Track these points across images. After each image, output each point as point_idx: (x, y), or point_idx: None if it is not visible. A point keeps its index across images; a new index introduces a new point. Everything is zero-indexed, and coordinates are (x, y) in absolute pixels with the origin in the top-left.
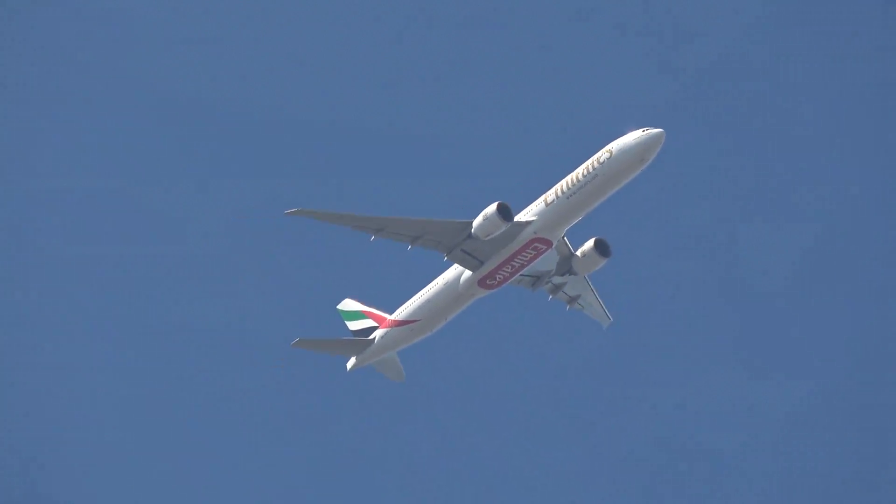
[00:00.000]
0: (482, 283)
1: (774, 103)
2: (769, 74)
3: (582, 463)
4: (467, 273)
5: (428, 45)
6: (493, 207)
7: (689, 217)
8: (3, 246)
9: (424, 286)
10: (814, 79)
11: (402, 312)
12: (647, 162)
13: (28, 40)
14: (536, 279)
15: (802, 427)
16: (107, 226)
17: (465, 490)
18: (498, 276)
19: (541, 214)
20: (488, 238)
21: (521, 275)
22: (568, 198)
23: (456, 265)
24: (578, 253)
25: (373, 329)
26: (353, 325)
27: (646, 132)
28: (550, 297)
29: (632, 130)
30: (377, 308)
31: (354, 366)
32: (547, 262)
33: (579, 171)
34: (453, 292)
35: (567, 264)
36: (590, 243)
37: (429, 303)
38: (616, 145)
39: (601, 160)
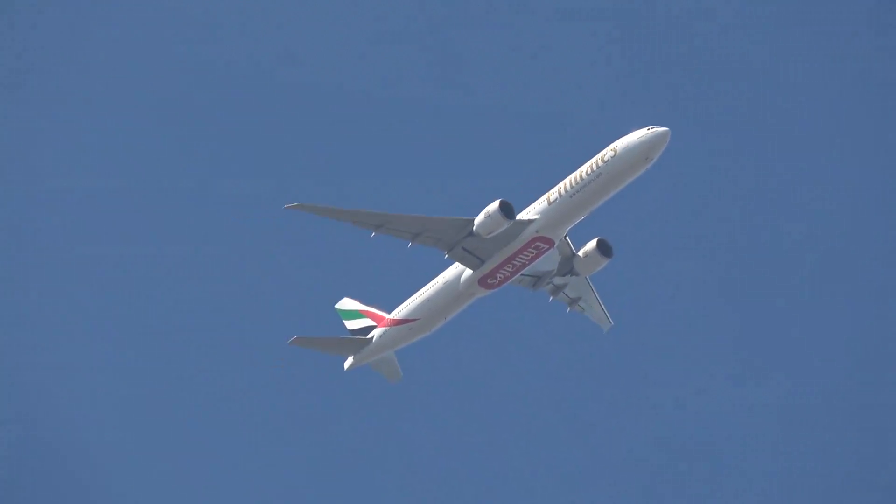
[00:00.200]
0: (483, 282)
1: (774, 103)
2: (769, 74)
3: (581, 463)
4: (468, 272)
5: (431, 43)
6: (495, 205)
7: (689, 217)
8: (3, 246)
9: (424, 285)
10: (814, 79)
11: (400, 311)
12: (652, 161)
13: (28, 40)
14: (537, 279)
15: (802, 427)
16: (107, 226)
17: (464, 490)
18: (499, 275)
19: (543, 213)
20: (490, 236)
21: (521, 275)
22: (571, 196)
23: (456, 264)
24: (580, 253)
25: (371, 328)
26: (351, 325)
27: (651, 130)
28: (551, 298)
29: (636, 129)
30: (376, 307)
31: (352, 365)
32: (548, 262)
33: (583, 170)
34: (453, 291)
35: (568, 264)
36: (592, 243)
37: (428, 302)
38: (621, 144)
39: (605, 158)
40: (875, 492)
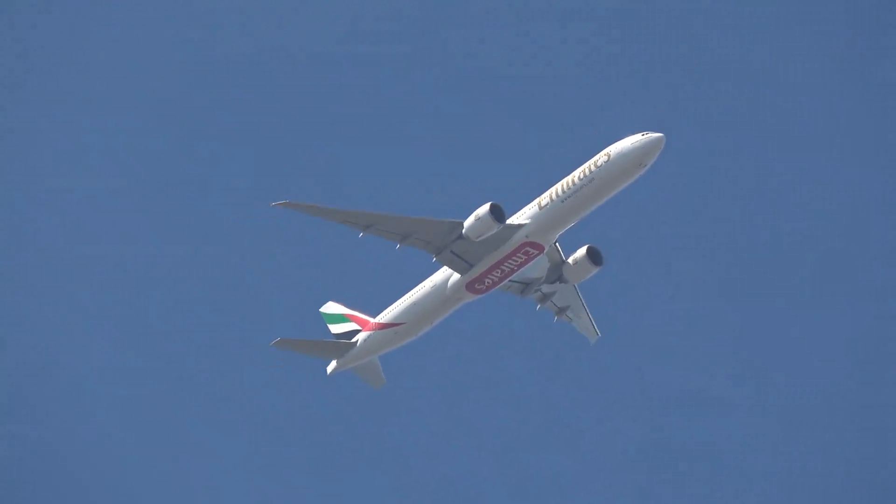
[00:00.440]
0: (470, 287)
1: (774, 103)
2: (769, 74)
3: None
4: (455, 276)
5: (431, 42)
6: (485, 208)
7: (689, 217)
8: (3, 246)
9: (411, 289)
10: (814, 79)
11: (386, 315)
12: (646, 167)
13: (28, 40)
14: (525, 286)
15: (802, 427)
16: (107, 226)
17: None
18: (487, 280)
19: (534, 218)
20: (479, 239)
21: (510, 281)
22: (562, 201)
23: (444, 268)
24: (570, 260)
25: (355, 332)
26: (336, 329)
27: (645, 136)
28: (539, 306)
29: (631, 134)
30: (361, 311)
31: (335, 369)
32: (537, 268)
33: (575, 175)
34: (440, 296)
35: (558, 271)
36: (582, 251)
37: (415, 306)
38: (614, 149)
39: (598, 163)
40: (875, 492)
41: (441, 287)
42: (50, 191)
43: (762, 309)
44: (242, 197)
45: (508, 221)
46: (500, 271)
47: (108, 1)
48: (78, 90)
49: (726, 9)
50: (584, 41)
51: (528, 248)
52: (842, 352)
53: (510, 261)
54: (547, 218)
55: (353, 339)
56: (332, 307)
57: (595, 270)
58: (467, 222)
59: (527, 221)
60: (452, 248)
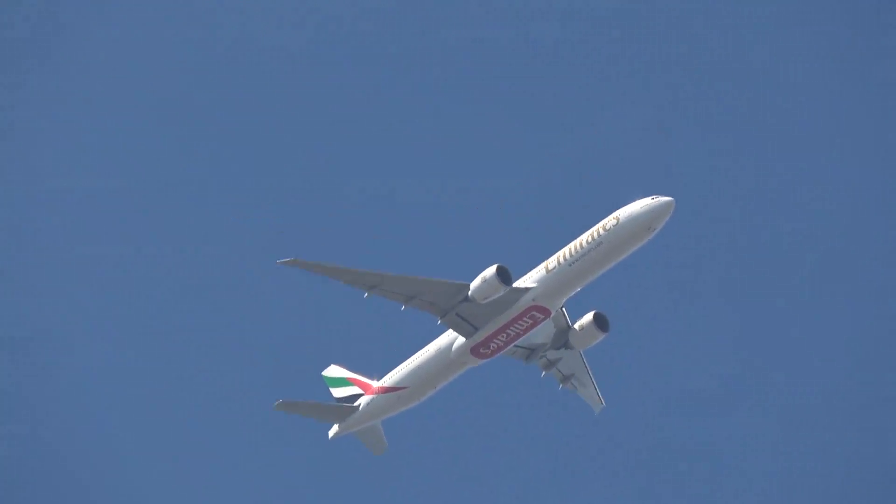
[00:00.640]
0: (475, 351)
1: (774, 103)
2: (769, 74)
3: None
4: (460, 340)
5: (430, 43)
6: (492, 270)
7: (689, 217)
8: (3, 246)
9: (416, 352)
10: (814, 79)
11: (390, 378)
12: (655, 231)
13: (28, 40)
14: (531, 352)
15: (802, 427)
16: (107, 226)
17: None
18: (492, 344)
19: (541, 281)
20: (485, 302)
21: (515, 346)
22: (570, 265)
23: (449, 332)
24: (576, 326)
25: (358, 396)
26: (338, 392)
27: (655, 200)
28: (544, 372)
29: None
30: (364, 375)
31: (337, 433)
32: (543, 334)
33: (583, 238)
34: (445, 360)
35: (564, 337)
36: (588, 316)
37: (418, 370)
38: (623, 212)
39: (607, 227)
40: (875, 492)
41: (445, 351)
42: (50, 191)
43: (762, 309)
44: (242, 197)
45: (515, 285)
46: (505, 335)
47: (109, 1)
48: (78, 90)
49: (726, 9)
50: (584, 41)
51: (534, 313)
52: (842, 352)
53: (516, 325)
54: (554, 282)
55: (356, 403)
56: (334, 370)
57: (602, 337)
58: (473, 284)
59: (534, 285)
60: (458, 311)
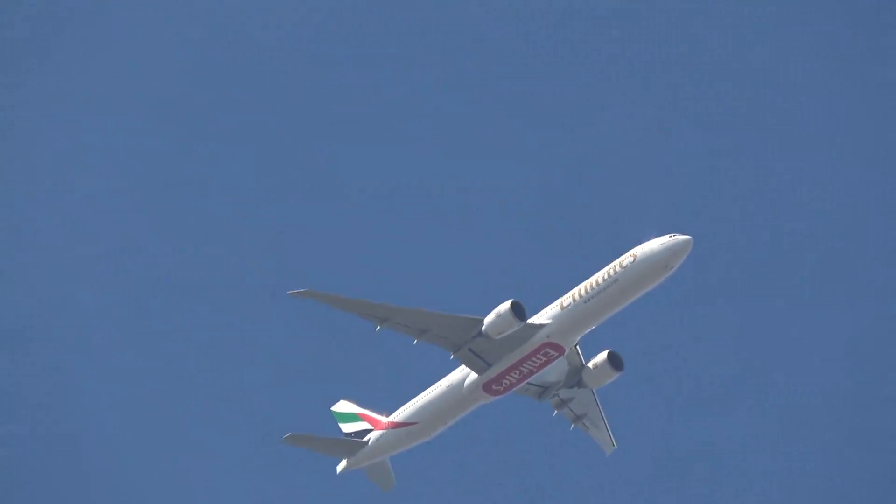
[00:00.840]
0: (487, 387)
1: (774, 103)
2: (769, 74)
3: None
4: (473, 376)
5: (430, 44)
6: (506, 305)
7: (689, 217)
8: (3, 246)
9: (428, 387)
10: (814, 79)
11: (400, 414)
12: (672, 269)
13: (28, 40)
14: (543, 390)
15: (802, 427)
16: (107, 226)
17: None
18: (505, 381)
19: (555, 318)
20: (499, 337)
21: (527, 383)
22: (585, 302)
23: (461, 368)
24: (590, 365)
25: (367, 432)
26: (347, 428)
27: (673, 238)
28: (556, 411)
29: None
30: (373, 410)
31: (345, 468)
32: (556, 372)
33: (599, 276)
34: (456, 396)
35: (577, 376)
36: (602, 355)
37: (430, 405)
38: (640, 250)
39: (623, 264)
40: (875, 492)
41: (457, 387)
42: (50, 191)
43: (762, 309)
44: (242, 197)
45: (529, 321)
46: (518, 372)
47: (108, 1)
48: (78, 90)
49: (726, 9)
50: (584, 41)
51: (548, 350)
52: (842, 352)
53: (529, 362)
54: (569, 318)
55: (365, 438)
56: (343, 406)
57: (616, 376)
58: (487, 319)
59: (548, 321)
60: (471, 346)
